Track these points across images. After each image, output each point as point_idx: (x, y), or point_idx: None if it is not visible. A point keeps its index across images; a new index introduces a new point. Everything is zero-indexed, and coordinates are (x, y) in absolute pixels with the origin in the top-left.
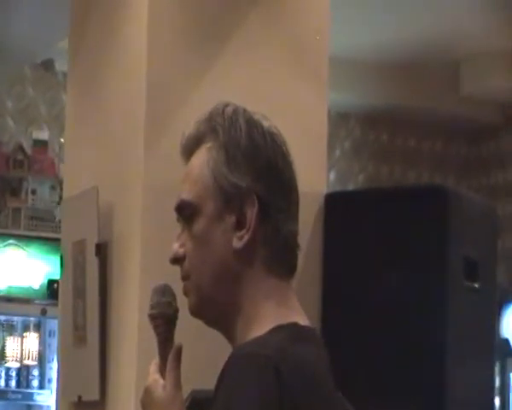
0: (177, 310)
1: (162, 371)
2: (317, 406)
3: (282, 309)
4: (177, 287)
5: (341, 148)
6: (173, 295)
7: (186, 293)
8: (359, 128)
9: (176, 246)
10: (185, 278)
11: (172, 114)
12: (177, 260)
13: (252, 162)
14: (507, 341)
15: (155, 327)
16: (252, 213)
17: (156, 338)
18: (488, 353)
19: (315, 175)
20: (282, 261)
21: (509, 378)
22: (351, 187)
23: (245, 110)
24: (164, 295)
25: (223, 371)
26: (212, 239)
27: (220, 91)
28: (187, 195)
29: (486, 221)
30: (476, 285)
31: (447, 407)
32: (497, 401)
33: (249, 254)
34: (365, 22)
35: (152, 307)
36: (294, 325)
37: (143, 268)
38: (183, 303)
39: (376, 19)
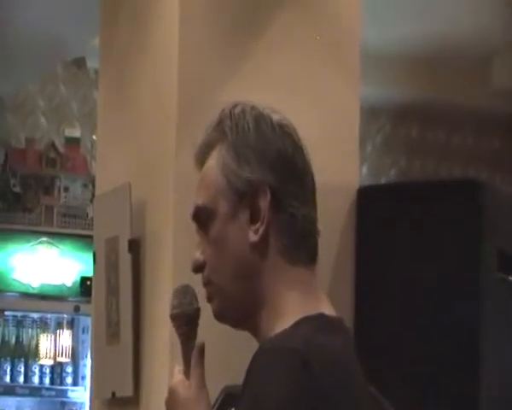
0: (198, 309)
1: (186, 370)
2: (346, 396)
3: (307, 300)
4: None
5: (373, 143)
6: (194, 295)
7: (210, 299)
8: (390, 123)
9: (197, 254)
10: (207, 283)
11: (204, 110)
12: (198, 269)
13: (261, 155)
14: None
15: (177, 327)
16: (265, 204)
17: (178, 339)
18: None
19: (348, 169)
20: (301, 249)
21: None
22: (383, 182)
23: (253, 107)
24: (185, 296)
25: (250, 366)
26: (229, 239)
27: (252, 86)
28: (201, 200)
29: None
30: (510, 278)
31: (482, 400)
32: None
33: (266, 246)
34: (395, 17)
35: (173, 308)
36: (321, 316)
37: (176, 264)
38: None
39: (406, 13)
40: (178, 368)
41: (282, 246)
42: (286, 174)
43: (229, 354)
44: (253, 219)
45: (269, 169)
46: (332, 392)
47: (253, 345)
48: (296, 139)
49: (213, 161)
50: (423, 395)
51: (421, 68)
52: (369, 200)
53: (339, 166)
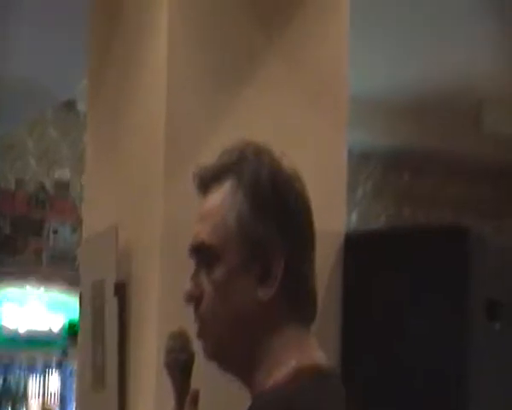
0: (192, 356)
1: None
2: None
3: (302, 353)
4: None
5: (363, 189)
6: (189, 341)
7: (201, 336)
8: (381, 169)
9: (191, 285)
10: (201, 321)
11: (192, 154)
12: (192, 300)
13: (276, 212)
14: None
15: (171, 374)
16: (278, 265)
17: (172, 385)
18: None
19: (334, 214)
20: (305, 311)
21: None
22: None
23: (267, 150)
24: (178, 341)
25: None
26: (235, 289)
27: (239, 128)
28: (208, 238)
29: (509, 262)
30: (498, 325)
31: None
32: None
33: (273, 306)
34: (386, 62)
35: (167, 354)
36: (314, 368)
37: (162, 309)
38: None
39: (397, 59)
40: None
41: (288, 307)
42: (298, 235)
43: (224, 400)
44: (263, 279)
45: (282, 227)
46: None
47: (242, 393)
48: (307, 197)
49: (223, 196)
50: None
51: (412, 115)
52: (356, 246)
53: (326, 211)
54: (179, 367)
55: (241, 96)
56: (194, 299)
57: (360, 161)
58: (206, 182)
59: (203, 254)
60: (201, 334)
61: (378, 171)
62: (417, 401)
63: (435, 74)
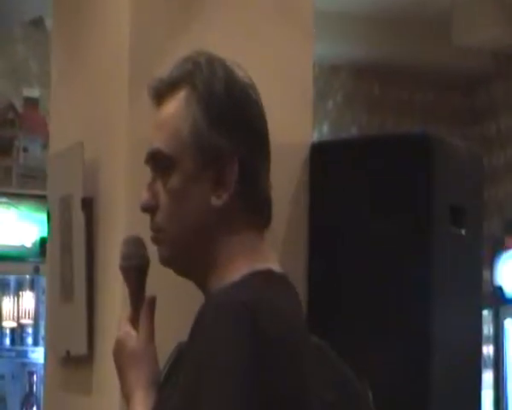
0: (148, 261)
1: (134, 322)
2: (292, 351)
3: (256, 257)
4: None
5: (334, 100)
6: (144, 246)
7: (157, 243)
8: (352, 80)
9: (147, 195)
10: (158, 229)
11: (156, 69)
12: (148, 210)
13: (230, 119)
14: (500, 288)
15: (126, 279)
16: (231, 171)
17: (128, 290)
18: (475, 297)
19: (300, 125)
20: (259, 216)
21: (502, 326)
22: None
23: (220, 59)
24: (134, 247)
25: (197, 318)
26: (190, 196)
27: (203, 45)
28: (163, 146)
29: (473, 169)
30: (463, 232)
31: (433, 349)
32: (490, 349)
33: (227, 212)
34: None
35: (123, 259)
36: (268, 271)
37: (129, 222)
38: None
39: None
40: (125, 313)
41: (242, 213)
42: (252, 143)
43: (185, 308)
44: (217, 184)
45: (236, 134)
46: (277, 345)
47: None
48: (261, 105)
49: (180, 108)
50: (374, 344)
51: (382, 26)
52: (321, 156)
53: (292, 121)
54: (134, 272)
55: (205, 9)
56: (151, 208)
57: (330, 72)
58: (161, 93)
59: (159, 163)
60: (158, 241)
61: (349, 82)
62: (382, 308)
63: None
